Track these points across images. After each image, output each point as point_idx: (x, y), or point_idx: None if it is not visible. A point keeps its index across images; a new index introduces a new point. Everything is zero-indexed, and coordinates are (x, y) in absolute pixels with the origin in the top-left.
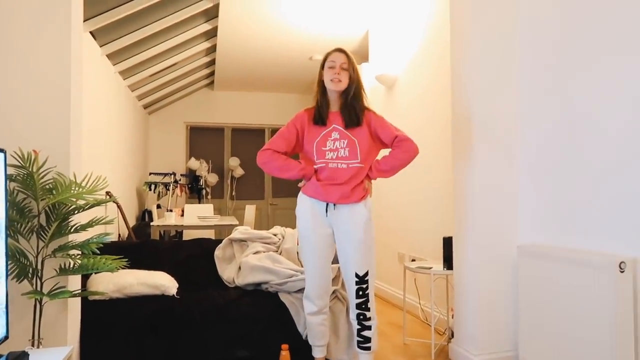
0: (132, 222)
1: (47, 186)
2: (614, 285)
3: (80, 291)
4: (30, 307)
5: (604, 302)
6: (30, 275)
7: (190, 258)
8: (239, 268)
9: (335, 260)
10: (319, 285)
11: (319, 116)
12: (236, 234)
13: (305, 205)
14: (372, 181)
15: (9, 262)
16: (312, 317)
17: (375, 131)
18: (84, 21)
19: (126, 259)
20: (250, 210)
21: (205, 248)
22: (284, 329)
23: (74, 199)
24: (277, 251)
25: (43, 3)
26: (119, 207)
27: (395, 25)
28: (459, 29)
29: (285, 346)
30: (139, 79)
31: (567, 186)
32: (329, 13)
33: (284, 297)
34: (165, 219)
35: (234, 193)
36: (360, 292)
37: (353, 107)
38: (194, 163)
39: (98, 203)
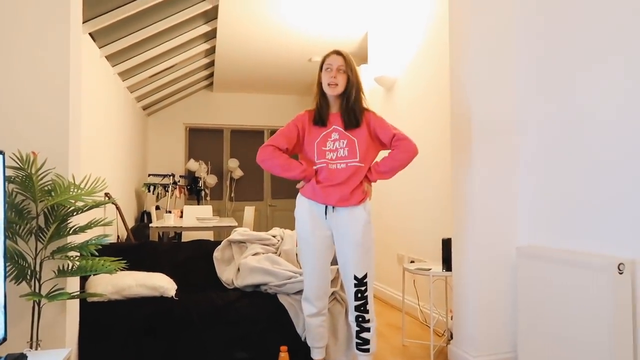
0: (131, 224)
1: (46, 188)
2: (613, 286)
3: (78, 293)
4: (29, 308)
5: (602, 303)
6: (28, 277)
7: (189, 259)
8: (238, 269)
9: (334, 262)
10: (318, 287)
11: (319, 117)
12: (235, 235)
13: (304, 207)
14: (372, 183)
15: (8, 264)
16: (311, 319)
17: (375, 131)
18: (83, 23)
19: (125, 261)
20: (249, 211)
21: (204, 249)
22: (283, 330)
23: (73, 201)
24: (276, 253)
25: (42, 4)
26: (117, 208)
27: (395, 27)
28: (457, 31)
29: (284, 348)
30: (138, 81)
31: (565, 187)
32: (328, 15)
33: (283, 299)
34: (164, 221)
35: (233, 194)
36: (359, 295)
37: (353, 110)
38: (193, 164)
39: (97, 205)
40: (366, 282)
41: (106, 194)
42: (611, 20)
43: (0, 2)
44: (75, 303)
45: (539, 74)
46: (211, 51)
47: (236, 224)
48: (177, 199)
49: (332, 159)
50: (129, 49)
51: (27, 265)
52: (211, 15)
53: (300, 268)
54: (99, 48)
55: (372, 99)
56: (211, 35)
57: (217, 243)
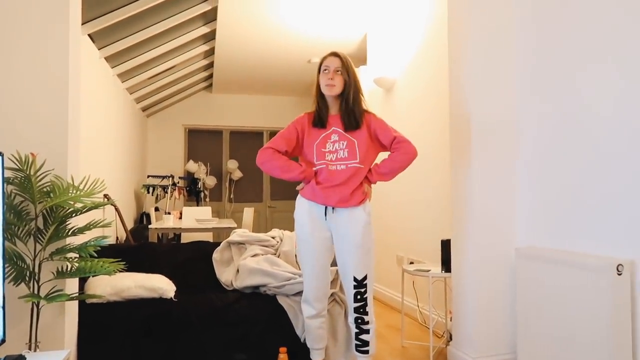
0: (130, 225)
1: (45, 189)
2: (612, 287)
3: (77, 294)
4: (28, 310)
5: (601, 304)
6: (27, 279)
7: (188, 261)
8: (237, 271)
9: (334, 263)
10: (317, 288)
11: (319, 119)
12: (234, 236)
13: (304, 208)
14: (372, 185)
15: (6, 265)
16: (310, 320)
17: (375, 132)
18: (83, 24)
19: (124, 262)
20: (248, 212)
21: (203, 251)
22: (282, 332)
23: (72, 202)
24: (275, 254)
25: (42, 6)
26: (116, 209)
27: (394, 28)
28: (456, 31)
29: (283, 349)
30: (137, 82)
31: (564, 188)
32: (327, 16)
33: (282, 300)
34: (163, 222)
35: (232, 196)
36: (359, 296)
37: (352, 111)
38: (192, 166)
39: (96, 206)
40: (366, 284)
41: (105, 196)
42: (606, 21)
43: None
44: (74, 304)
45: (537, 75)
46: (210, 52)
47: (235, 225)
48: (176, 200)
49: (331, 160)
50: (128, 50)
51: (25, 266)
52: (210, 16)
53: (300, 269)
54: (98, 49)
55: (371, 100)
56: (210, 36)
57: (216, 244)
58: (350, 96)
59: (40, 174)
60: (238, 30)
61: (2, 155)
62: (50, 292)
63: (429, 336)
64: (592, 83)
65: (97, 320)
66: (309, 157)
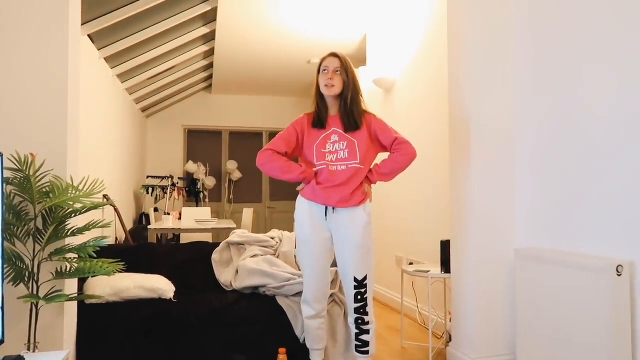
0: (129, 226)
1: (44, 189)
2: (612, 288)
3: (76, 295)
4: (27, 310)
5: (601, 305)
6: (26, 279)
7: (188, 261)
8: (237, 271)
9: (333, 264)
10: (317, 289)
11: (319, 120)
12: (234, 237)
13: (304, 208)
14: (372, 185)
15: (5, 266)
16: (310, 321)
17: (375, 133)
18: (82, 24)
19: (123, 263)
20: (247, 213)
21: (202, 251)
22: (282, 332)
23: (71, 202)
24: (274, 255)
25: (41, 6)
26: (116, 210)
27: (393, 28)
28: (455, 32)
29: (282, 350)
30: (136, 82)
31: (564, 189)
32: (327, 17)
33: (281, 301)
34: (162, 223)
35: (231, 196)
36: (359, 297)
37: (352, 112)
38: (191, 166)
39: (95, 206)
40: (366, 284)
41: (104, 196)
42: (603, 21)
43: None
44: (73, 305)
45: (536, 75)
46: (210, 53)
47: (235, 225)
48: (175, 201)
49: (332, 161)
50: (128, 50)
51: (25, 267)
52: (210, 17)
53: (299, 270)
54: (98, 50)
55: (371, 100)
56: (210, 37)
57: (215, 245)
58: (349, 97)
59: (40, 175)
60: (238, 31)
61: (2, 156)
62: (50, 292)
63: (428, 337)
64: (591, 83)
65: (96, 320)
66: (309, 158)
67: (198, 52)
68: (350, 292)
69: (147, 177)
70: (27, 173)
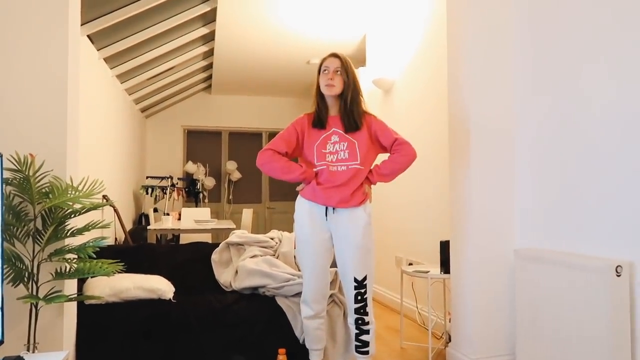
0: (128, 226)
1: (44, 190)
2: (611, 289)
3: (76, 295)
4: (26, 311)
5: (600, 305)
6: (26, 280)
7: (187, 262)
8: (236, 272)
9: (333, 264)
10: (317, 289)
11: (319, 120)
12: (233, 237)
13: (304, 209)
14: (372, 186)
15: (5, 266)
16: (309, 321)
17: (376, 134)
18: (82, 25)
19: (122, 263)
20: (247, 213)
21: (202, 252)
22: (281, 333)
23: (71, 203)
24: (274, 255)
25: (41, 7)
26: (115, 210)
27: (393, 29)
28: (455, 32)
29: (282, 350)
30: (136, 83)
31: (563, 189)
32: (326, 17)
33: (281, 301)
34: (162, 223)
35: (231, 197)
36: (359, 297)
37: (352, 112)
38: (191, 167)
39: (94, 207)
40: (366, 285)
41: (104, 197)
42: (601, 22)
43: None
44: (73, 305)
45: (535, 76)
46: (209, 53)
47: (234, 226)
48: (175, 202)
49: (332, 161)
50: (127, 51)
51: (24, 267)
52: (209, 17)
53: (299, 270)
54: (97, 50)
55: (370, 101)
56: (209, 37)
57: (215, 245)
58: (349, 97)
59: (39, 175)
60: (237, 31)
61: (1, 156)
62: (49, 293)
63: (427, 337)
64: (591, 84)
65: (95, 321)
66: (309, 158)
67: (197, 52)
68: (350, 292)
69: (147, 177)
70: (26, 173)
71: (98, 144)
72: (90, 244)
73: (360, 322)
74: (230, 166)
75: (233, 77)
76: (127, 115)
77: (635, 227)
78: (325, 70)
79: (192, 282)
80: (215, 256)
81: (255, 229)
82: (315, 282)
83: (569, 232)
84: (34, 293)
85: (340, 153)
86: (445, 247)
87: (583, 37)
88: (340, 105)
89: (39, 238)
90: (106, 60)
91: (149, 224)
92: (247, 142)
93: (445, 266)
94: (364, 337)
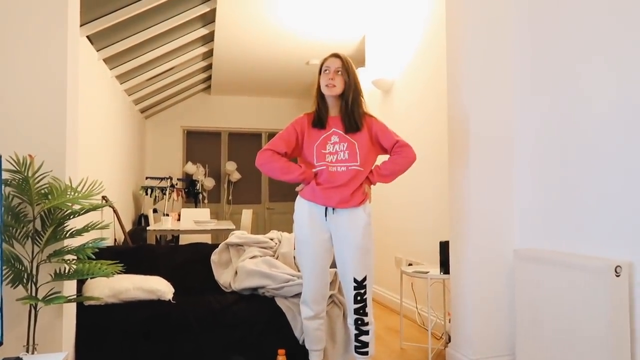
0: (128, 227)
1: (43, 191)
2: (610, 289)
3: (75, 296)
4: (25, 312)
5: (600, 305)
6: (25, 281)
7: (187, 263)
8: (236, 273)
9: (332, 265)
10: (316, 290)
11: (319, 120)
12: (233, 238)
13: (304, 209)
14: (372, 186)
15: (4, 267)
16: (309, 322)
17: (376, 136)
18: (81, 26)
19: (122, 264)
20: (247, 214)
21: (201, 253)
22: (281, 333)
23: (70, 204)
24: (273, 256)
25: (40, 8)
26: (115, 211)
27: (392, 30)
28: (454, 33)
29: (281, 351)
30: (135, 83)
31: (562, 190)
32: (325, 18)
33: (280, 302)
34: (161, 224)
35: (230, 197)
36: (359, 297)
37: (352, 113)
38: (190, 167)
39: (94, 208)
40: (365, 285)
41: (103, 197)
42: (601, 22)
43: None
44: (72, 307)
45: (535, 76)
46: (209, 54)
47: (234, 227)
48: (174, 202)
49: (332, 162)
50: (127, 51)
51: (23, 268)
52: (209, 18)
53: (298, 271)
54: (97, 51)
55: (369, 101)
56: (209, 38)
57: (214, 246)
58: (350, 97)
59: (38, 176)
60: (236, 32)
61: (0, 157)
62: (48, 294)
63: (427, 338)
64: (590, 84)
65: (95, 322)
66: (309, 158)
67: (197, 53)
68: (349, 292)
69: (146, 178)
70: (25, 174)
71: (97, 145)
72: (90, 244)
73: (359, 322)
74: (230, 167)
75: (232, 78)
76: (127, 115)
77: (635, 227)
78: (326, 70)
79: (191, 283)
80: (214, 257)
81: (254, 230)
82: (315, 283)
83: (568, 232)
84: (33, 294)
85: (340, 154)
86: (444, 247)
87: (583, 37)
88: (340, 106)
89: (38, 239)
90: (106, 60)
91: (148, 225)
92: (246, 143)
93: (444, 266)
94: (363, 338)
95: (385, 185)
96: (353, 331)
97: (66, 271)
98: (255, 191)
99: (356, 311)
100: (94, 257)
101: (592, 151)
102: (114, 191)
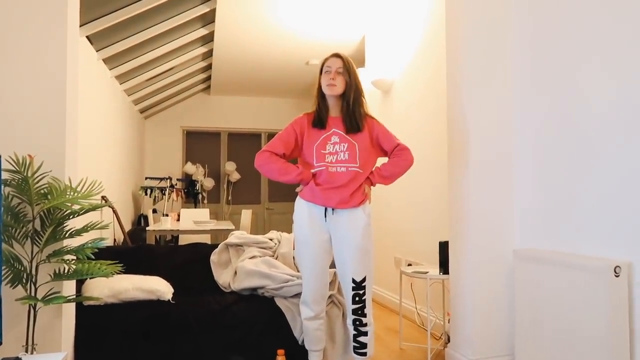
0: (127, 227)
1: (42, 191)
2: (610, 289)
3: (74, 296)
4: (25, 312)
5: (599, 305)
6: (24, 281)
7: (186, 263)
8: (235, 273)
9: (332, 265)
10: (316, 291)
11: (319, 120)
12: (232, 238)
13: (303, 210)
14: (372, 187)
15: (3, 267)
16: (308, 322)
17: (377, 138)
18: (81, 26)
19: (121, 264)
20: (246, 214)
21: (201, 253)
22: (280, 334)
23: (69, 204)
24: (273, 256)
25: (39, 8)
26: (114, 211)
27: (392, 30)
28: (454, 33)
29: (281, 351)
30: (135, 84)
31: (562, 190)
32: (325, 18)
33: (280, 302)
34: (161, 224)
35: (230, 197)
36: (357, 298)
37: (353, 113)
38: (190, 167)
39: (93, 208)
40: (364, 286)
41: (103, 197)
42: (601, 21)
43: None
44: (71, 307)
45: (535, 76)
46: (208, 54)
47: (233, 227)
48: (174, 202)
49: (332, 162)
50: (126, 52)
51: (22, 268)
52: (208, 18)
53: (297, 271)
54: (96, 51)
55: (369, 102)
56: (208, 38)
57: (214, 246)
58: (351, 97)
59: (38, 176)
60: (236, 32)
61: (0, 157)
62: (48, 294)
63: (426, 338)
64: (590, 84)
65: (94, 322)
66: (308, 159)
67: (196, 53)
68: (348, 293)
69: (146, 178)
70: (25, 174)
71: (97, 145)
72: (89, 245)
73: (358, 323)
74: (229, 167)
75: (232, 78)
76: (126, 116)
77: (634, 227)
78: (327, 70)
79: (191, 283)
80: (214, 257)
81: (254, 230)
82: (314, 283)
83: (568, 232)
84: (33, 294)
85: (340, 154)
86: (444, 247)
87: (582, 37)
88: (342, 106)
89: (37, 239)
90: (105, 61)
91: (147, 225)
92: (246, 143)
93: (444, 267)
94: (361, 339)
95: (385, 186)
96: (352, 331)
97: (65, 271)
98: (255, 191)
99: (354, 312)
100: (93, 257)
101: (592, 151)
102: (113, 191)
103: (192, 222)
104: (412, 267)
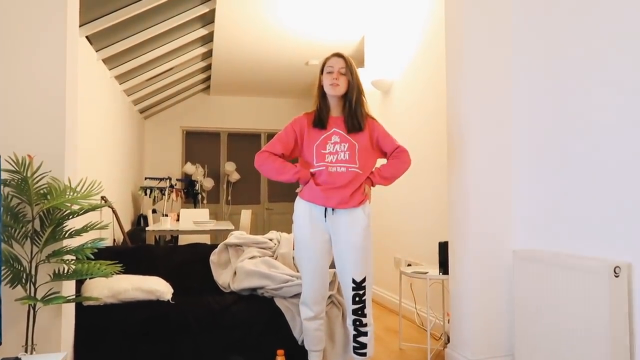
0: (127, 227)
1: (42, 191)
2: (609, 289)
3: (74, 297)
4: (24, 312)
5: (599, 306)
6: (24, 281)
7: (186, 263)
8: (235, 273)
9: (332, 265)
10: (316, 291)
11: (319, 120)
12: (232, 238)
13: (303, 210)
14: (372, 188)
15: (3, 268)
16: (308, 323)
17: (377, 139)
18: (80, 26)
19: (121, 264)
20: (246, 215)
21: (200, 253)
22: (280, 334)
23: (69, 204)
24: (272, 256)
25: (39, 8)
26: (114, 212)
27: (391, 30)
28: (454, 33)
29: (280, 351)
30: (134, 84)
31: (562, 191)
32: (325, 18)
33: (279, 303)
34: (160, 224)
35: (229, 198)
36: (357, 298)
37: (355, 113)
38: (189, 168)
39: (93, 208)
40: (364, 286)
41: (102, 198)
42: (602, 21)
43: None
44: (71, 307)
45: (534, 77)
46: (208, 54)
47: (233, 227)
48: (173, 203)
49: (332, 162)
50: (126, 52)
51: (22, 269)
52: (208, 18)
53: (297, 271)
54: (96, 51)
55: (369, 102)
56: (208, 38)
57: (213, 246)
58: (353, 97)
59: (37, 176)
60: (236, 32)
61: None
62: (47, 294)
63: (426, 338)
64: (590, 84)
65: (93, 322)
66: (309, 158)
67: (196, 53)
68: (348, 294)
69: (145, 178)
70: (24, 174)
71: (96, 145)
72: (89, 245)
73: (357, 323)
74: (229, 167)
75: (232, 78)
76: (126, 116)
77: (634, 228)
78: (329, 70)
79: (190, 283)
80: (213, 257)
81: (254, 230)
82: (314, 284)
83: (567, 233)
84: (32, 294)
85: (341, 154)
86: (443, 248)
87: (583, 37)
88: (343, 106)
89: (37, 239)
90: (105, 61)
91: (147, 225)
92: (245, 143)
93: (443, 267)
94: (361, 339)
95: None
96: (351, 332)
97: (65, 271)
98: (255, 191)
99: (354, 312)
100: (92, 257)
101: (591, 151)
102: (113, 191)
103: (191, 222)
104: (412, 267)
